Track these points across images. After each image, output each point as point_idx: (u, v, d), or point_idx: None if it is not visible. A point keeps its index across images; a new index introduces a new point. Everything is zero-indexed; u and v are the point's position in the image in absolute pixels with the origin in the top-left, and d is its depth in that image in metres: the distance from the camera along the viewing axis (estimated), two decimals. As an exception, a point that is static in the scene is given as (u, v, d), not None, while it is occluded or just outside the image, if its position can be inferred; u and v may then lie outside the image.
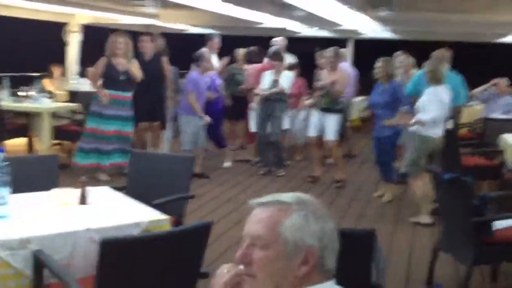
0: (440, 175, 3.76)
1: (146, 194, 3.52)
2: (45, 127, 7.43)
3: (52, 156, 3.98)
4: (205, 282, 2.61)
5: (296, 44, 9.97)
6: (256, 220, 1.44)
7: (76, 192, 3.21)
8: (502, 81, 9.22)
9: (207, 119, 7.23)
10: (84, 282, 2.67)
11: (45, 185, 3.32)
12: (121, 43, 6.72)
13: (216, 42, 8.65)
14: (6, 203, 2.84)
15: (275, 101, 7.51)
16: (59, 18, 10.18)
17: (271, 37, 10.35)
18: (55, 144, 7.95)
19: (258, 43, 9.63)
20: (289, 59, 8.76)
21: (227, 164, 8.10)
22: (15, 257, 2.57)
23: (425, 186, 5.50)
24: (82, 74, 10.22)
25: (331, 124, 7.07)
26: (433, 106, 5.54)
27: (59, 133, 7.72)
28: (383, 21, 9.51)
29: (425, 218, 5.66)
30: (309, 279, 1.40)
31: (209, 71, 7.48)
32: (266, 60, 8.23)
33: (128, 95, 6.82)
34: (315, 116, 7.21)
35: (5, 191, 2.83)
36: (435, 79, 5.72)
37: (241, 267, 1.60)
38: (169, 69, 7.89)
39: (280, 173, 7.68)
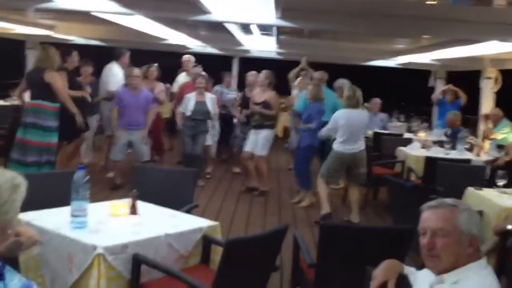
0: (401, 184, 4.67)
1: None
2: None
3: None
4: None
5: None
6: (435, 218, 2.11)
7: (121, 203, 3.58)
8: (376, 101, 10.71)
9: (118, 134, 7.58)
10: (166, 280, 3.09)
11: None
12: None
13: (127, 58, 8.89)
14: (86, 215, 3.15)
15: (200, 121, 8.00)
16: None
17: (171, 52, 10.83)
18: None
19: (157, 57, 10.05)
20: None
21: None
22: (117, 260, 2.94)
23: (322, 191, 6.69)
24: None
25: (262, 140, 7.80)
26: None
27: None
28: (278, 43, 10.47)
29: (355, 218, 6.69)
30: (472, 257, 2.10)
31: (137, 88, 7.66)
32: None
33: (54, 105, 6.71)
34: (250, 133, 7.92)
35: (86, 205, 3.14)
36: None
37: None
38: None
39: (200, 183, 8.17)
